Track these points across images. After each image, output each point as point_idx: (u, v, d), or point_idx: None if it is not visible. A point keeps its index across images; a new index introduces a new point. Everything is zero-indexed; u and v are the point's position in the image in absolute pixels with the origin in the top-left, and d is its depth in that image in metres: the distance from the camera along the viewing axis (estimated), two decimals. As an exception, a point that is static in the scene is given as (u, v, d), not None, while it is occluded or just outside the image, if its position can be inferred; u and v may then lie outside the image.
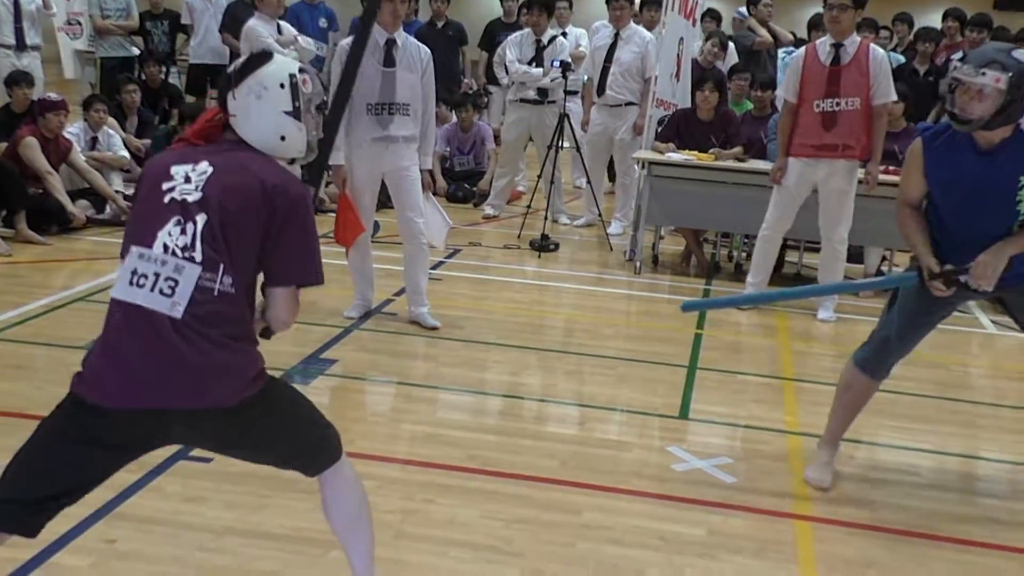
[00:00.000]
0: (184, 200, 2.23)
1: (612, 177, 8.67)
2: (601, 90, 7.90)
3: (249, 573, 2.85)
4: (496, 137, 9.08)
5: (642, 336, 5.54)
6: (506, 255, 7.15)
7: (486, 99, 10.13)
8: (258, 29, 7.10)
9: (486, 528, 3.19)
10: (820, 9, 8.94)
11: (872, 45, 5.79)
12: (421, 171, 5.24)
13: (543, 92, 7.94)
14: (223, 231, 2.22)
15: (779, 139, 5.90)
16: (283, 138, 2.37)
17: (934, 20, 10.61)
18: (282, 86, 2.35)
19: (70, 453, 2.23)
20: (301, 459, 2.49)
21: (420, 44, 5.25)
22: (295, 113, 2.37)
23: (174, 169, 2.28)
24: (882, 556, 3.21)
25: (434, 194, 5.83)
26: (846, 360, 3.80)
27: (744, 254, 7.21)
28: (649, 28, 8.09)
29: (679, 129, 7.08)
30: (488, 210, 8.39)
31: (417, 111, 5.16)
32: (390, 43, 5.08)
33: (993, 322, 6.14)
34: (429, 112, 5.24)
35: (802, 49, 5.95)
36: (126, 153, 8.02)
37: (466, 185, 8.97)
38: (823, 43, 5.74)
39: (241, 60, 2.40)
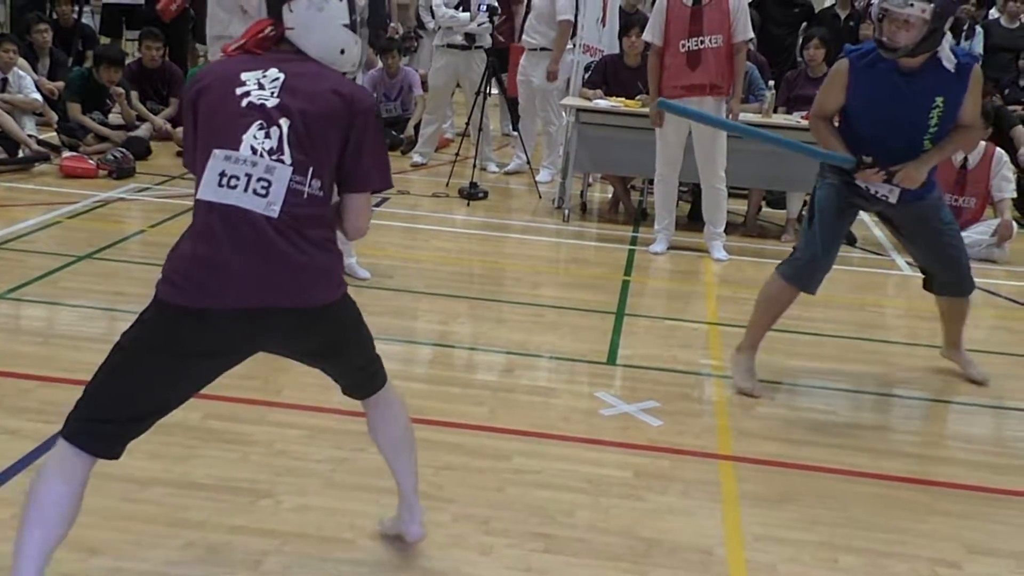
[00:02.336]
0: (263, 105, 2.21)
1: (515, 122, 8.47)
2: (519, 36, 7.87)
3: (176, 523, 2.83)
4: (423, 83, 8.96)
5: (571, 283, 5.58)
6: (435, 203, 7.10)
7: (416, 44, 9.98)
8: None
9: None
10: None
11: None
12: None
13: (470, 37, 7.84)
14: (308, 136, 2.22)
15: (649, 83, 6.04)
16: (342, 51, 2.37)
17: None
18: None
19: (163, 365, 2.19)
20: (364, 373, 2.53)
21: None
22: (352, 26, 2.38)
23: (244, 75, 2.25)
24: (802, 492, 3.31)
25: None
26: (770, 275, 4.10)
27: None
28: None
29: (606, 75, 7.08)
30: (416, 158, 8.31)
31: None
32: None
33: (908, 263, 6.33)
34: None
35: None
36: (38, 96, 7.73)
37: (393, 132, 8.85)
38: None
39: None
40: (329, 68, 2.35)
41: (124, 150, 7.26)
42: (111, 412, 2.20)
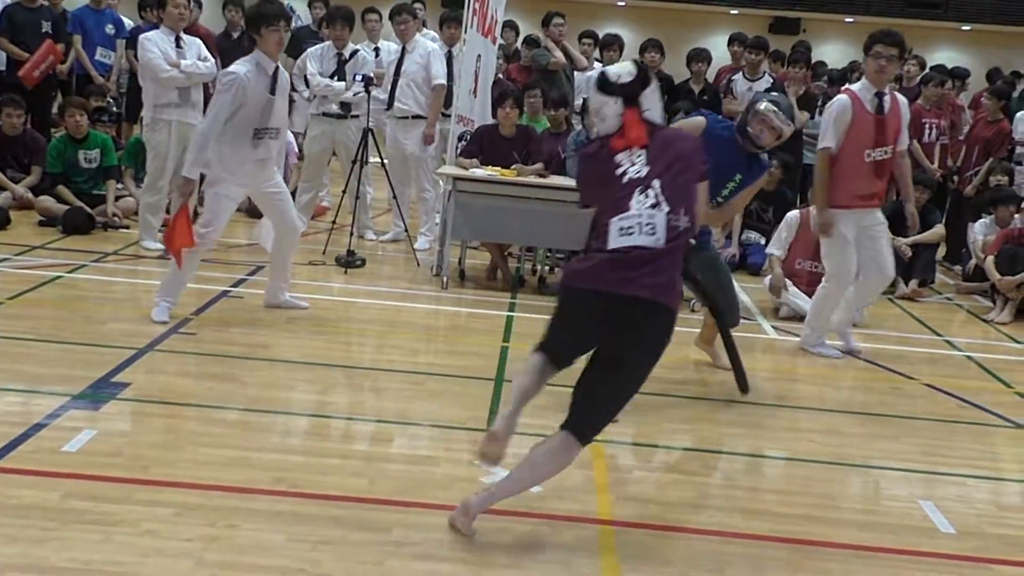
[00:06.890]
0: (639, 176, 3.27)
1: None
2: (391, 104, 7.94)
3: (33, 614, 2.66)
4: (300, 151, 8.92)
5: (450, 351, 5.58)
6: (311, 271, 7.02)
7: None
8: (150, 43, 6.81)
9: (292, 551, 3.12)
10: (614, 30, 9.37)
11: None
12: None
13: (346, 106, 7.86)
14: (674, 186, 3.26)
15: (817, 188, 5.84)
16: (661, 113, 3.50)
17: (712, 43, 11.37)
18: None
19: (578, 321, 3.33)
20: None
21: (281, 68, 5.57)
22: None
23: (617, 158, 3.32)
24: (679, 554, 3.36)
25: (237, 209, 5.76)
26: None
27: (547, 267, 7.39)
28: (450, 45, 8.19)
29: (482, 145, 7.19)
30: (292, 225, 8.21)
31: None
32: (275, 72, 5.43)
33: (774, 327, 6.58)
34: (283, 130, 5.76)
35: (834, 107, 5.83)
36: None
37: (268, 200, 8.74)
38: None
39: (629, 74, 3.40)
40: (670, 128, 3.63)
41: (-20, 219, 6.95)
42: (560, 346, 3.43)
